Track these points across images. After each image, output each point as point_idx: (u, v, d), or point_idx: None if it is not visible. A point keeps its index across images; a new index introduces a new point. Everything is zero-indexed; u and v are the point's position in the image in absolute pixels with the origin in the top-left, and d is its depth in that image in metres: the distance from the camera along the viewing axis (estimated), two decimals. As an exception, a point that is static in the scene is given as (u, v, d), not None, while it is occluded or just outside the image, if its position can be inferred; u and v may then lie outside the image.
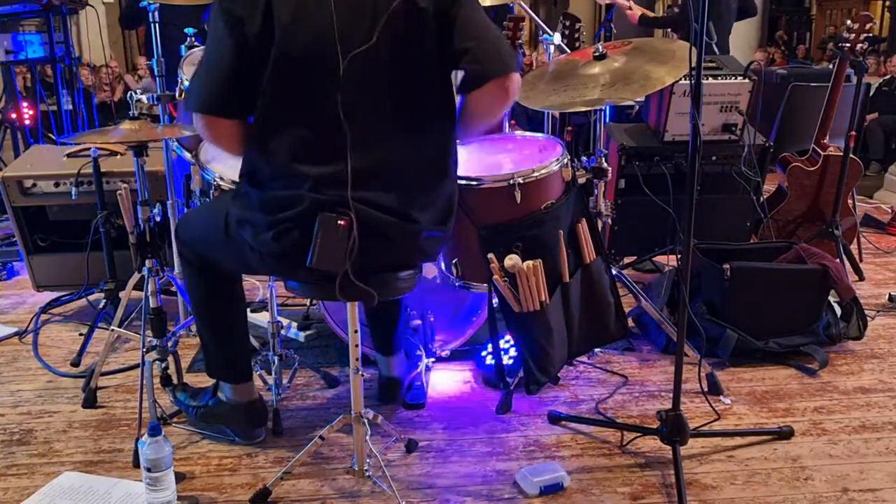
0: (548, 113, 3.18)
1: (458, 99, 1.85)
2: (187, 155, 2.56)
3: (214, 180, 2.28)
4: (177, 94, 2.73)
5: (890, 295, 3.34)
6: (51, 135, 5.16)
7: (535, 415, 2.41)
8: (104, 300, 3.04)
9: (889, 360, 2.80)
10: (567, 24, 3.06)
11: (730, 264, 2.75)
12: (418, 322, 2.59)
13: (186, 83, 2.57)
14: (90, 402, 2.49)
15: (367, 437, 1.96)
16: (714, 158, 3.47)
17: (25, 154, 3.61)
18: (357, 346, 1.92)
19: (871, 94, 6.23)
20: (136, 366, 2.69)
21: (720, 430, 2.28)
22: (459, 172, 2.16)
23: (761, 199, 3.59)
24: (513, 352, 2.58)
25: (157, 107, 2.80)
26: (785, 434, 2.27)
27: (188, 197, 2.58)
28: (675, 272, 3.00)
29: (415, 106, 1.78)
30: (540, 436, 2.29)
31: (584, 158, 2.53)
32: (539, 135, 2.62)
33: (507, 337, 2.52)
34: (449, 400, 2.51)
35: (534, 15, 2.77)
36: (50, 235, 3.23)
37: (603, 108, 2.61)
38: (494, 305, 2.28)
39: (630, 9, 5.06)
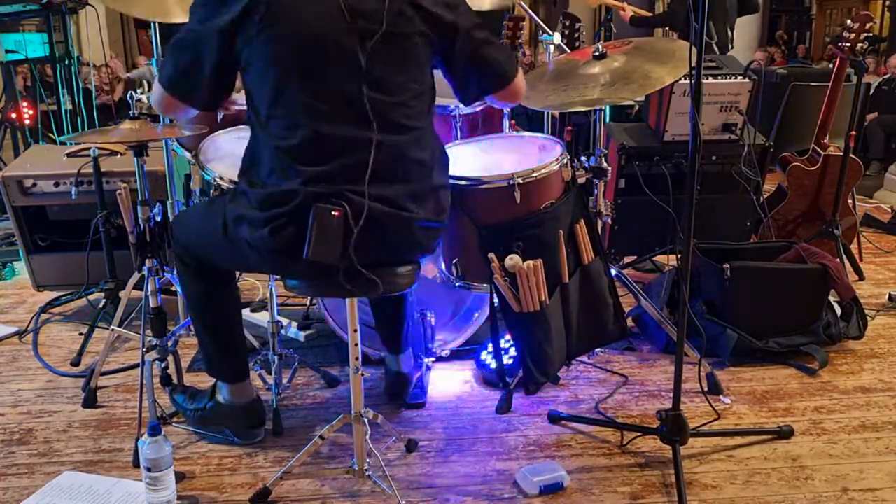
0: (548, 113, 3.18)
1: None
2: (187, 155, 2.57)
3: (214, 180, 2.28)
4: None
5: (890, 294, 3.34)
6: (51, 134, 5.15)
7: (535, 415, 2.41)
8: (104, 300, 3.04)
9: (889, 359, 2.80)
10: (567, 23, 3.06)
11: (730, 264, 2.75)
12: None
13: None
14: (90, 401, 2.49)
15: (367, 437, 1.96)
16: (714, 158, 3.48)
17: (25, 154, 3.61)
18: (357, 345, 1.92)
19: (872, 93, 6.23)
20: (136, 365, 2.69)
21: (720, 430, 2.28)
22: (459, 172, 2.17)
23: (761, 198, 3.59)
24: (513, 351, 2.58)
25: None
26: (785, 434, 2.27)
27: (188, 197, 2.58)
28: (675, 272, 3.00)
29: (405, 103, 1.81)
30: (540, 436, 2.29)
31: (583, 158, 2.53)
32: (539, 135, 2.62)
33: (507, 337, 2.52)
34: (449, 400, 2.51)
35: (533, 15, 2.77)
36: (50, 235, 3.23)
37: (603, 107, 2.62)
38: (495, 305, 2.28)
39: (623, 9, 5.07)
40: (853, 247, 3.77)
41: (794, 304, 2.79)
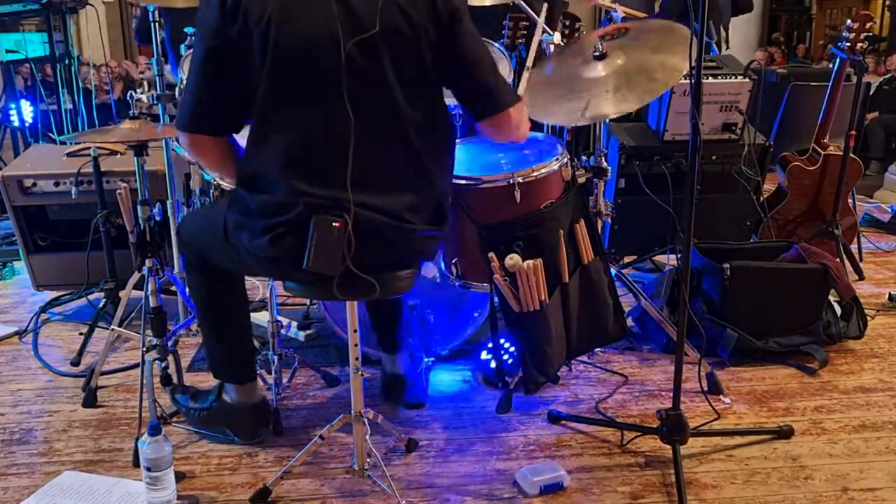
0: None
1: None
2: (187, 155, 2.56)
3: (214, 180, 2.28)
4: (176, 94, 2.73)
5: (890, 294, 3.34)
6: (51, 134, 5.16)
7: (534, 414, 2.41)
8: (104, 299, 3.04)
9: (889, 359, 2.80)
10: (567, 23, 3.06)
11: (730, 264, 2.75)
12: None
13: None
14: (90, 401, 2.49)
15: (367, 437, 1.96)
16: (714, 158, 3.48)
17: (25, 153, 3.61)
18: (357, 345, 1.92)
19: (872, 93, 6.23)
20: (136, 365, 2.69)
21: (720, 430, 2.28)
22: (459, 172, 2.17)
23: (761, 198, 3.59)
24: (513, 350, 2.57)
25: (156, 106, 2.80)
26: (785, 433, 2.27)
27: (188, 196, 2.58)
28: (675, 272, 3.00)
29: (412, 114, 1.79)
30: (540, 435, 2.29)
31: (583, 158, 2.53)
32: (539, 134, 2.62)
33: (507, 336, 2.51)
34: (449, 400, 2.51)
35: (533, 14, 2.76)
36: (50, 235, 3.23)
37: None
38: (495, 305, 2.28)
39: (616, 11, 5.05)
40: (853, 246, 3.77)
41: (794, 303, 2.78)
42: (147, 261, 2.25)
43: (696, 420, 2.27)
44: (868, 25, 3.34)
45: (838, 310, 2.87)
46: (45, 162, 3.22)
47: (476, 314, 2.74)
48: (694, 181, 1.89)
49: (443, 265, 2.42)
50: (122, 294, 2.75)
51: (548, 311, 2.20)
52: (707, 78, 3.29)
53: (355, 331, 1.91)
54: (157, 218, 2.27)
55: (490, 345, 2.54)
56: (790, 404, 2.48)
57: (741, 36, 5.94)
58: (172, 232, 2.86)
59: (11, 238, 3.85)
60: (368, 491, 2.01)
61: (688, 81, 2.10)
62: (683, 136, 3.37)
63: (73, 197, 3.01)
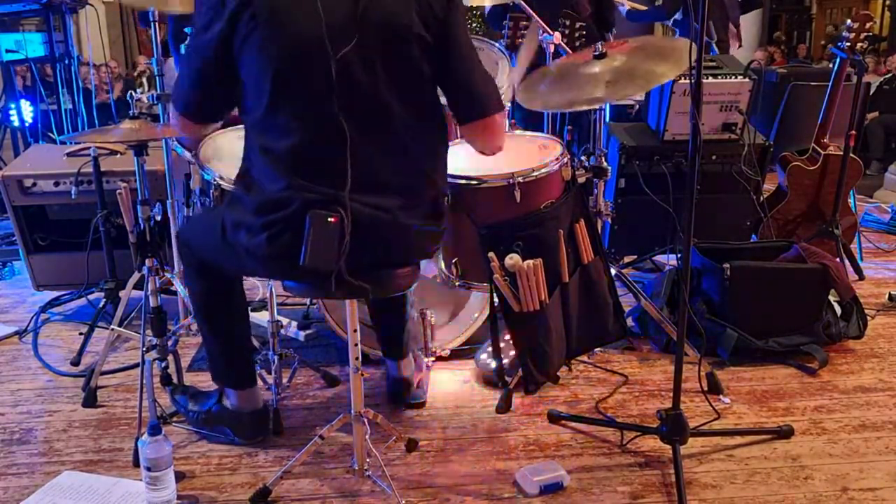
0: (547, 112, 3.18)
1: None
2: (187, 154, 2.56)
3: (214, 180, 2.28)
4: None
5: (890, 294, 3.34)
6: (51, 134, 5.15)
7: (534, 414, 2.41)
8: (104, 299, 3.04)
9: (889, 359, 2.80)
10: (567, 23, 3.05)
11: (730, 264, 2.75)
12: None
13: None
14: (90, 401, 2.49)
15: (367, 437, 1.96)
16: (714, 158, 3.47)
17: (25, 153, 3.61)
18: (357, 345, 1.92)
19: (872, 92, 6.23)
20: (136, 365, 2.69)
21: (720, 430, 2.28)
22: (459, 172, 2.17)
23: (761, 198, 3.59)
24: (512, 350, 2.57)
25: (156, 106, 2.80)
26: (785, 433, 2.27)
27: (188, 196, 2.58)
28: (675, 272, 3.00)
29: (405, 115, 1.79)
30: (540, 435, 2.29)
31: (583, 158, 2.53)
32: (539, 134, 2.62)
33: (507, 336, 2.51)
34: (449, 400, 2.51)
35: (534, 14, 2.76)
36: (50, 235, 3.23)
37: (603, 106, 2.61)
38: (495, 305, 2.28)
39: (622, 3, 5.04)
40: (853, 246, 3.77)
41: (794, 303, 2.78)
42: (147, 261, 2.25)
43: (696, 420, 2.27)
44: (868, 25, 3.34)
45: (838, 310, 2.87)
46: (45, 162, 3.22)
47: (476, 314, 2.74)
48: (694, 181, 1.89)
49: (443, 265, 2.43)
50: (122, 294, 2.75)
51: (548, 311, 2.20)
52: (707, 78, 3.29)
53: (355, 331, 1.91)
54: (157, 218, 2.27)
55: (490, 345, 2.54)
56: (790, 404, 2.48)
57: (741, 36, 5.93)
58: (172, 232, 2.86)
59: (11, 238, 3.85)
60: (368, 491, 2.01)
61: (688, 81, 2.10)
62: (683, 136, 3.37)
63: (73, 197, 3.00)
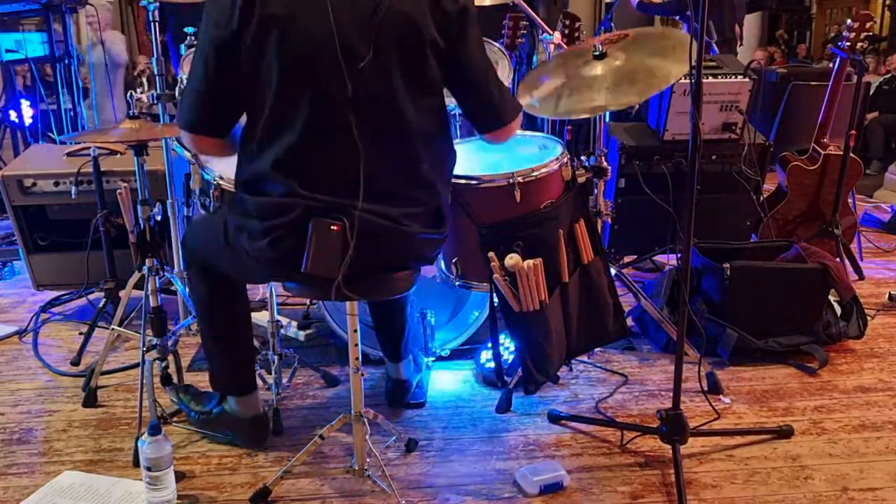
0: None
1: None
2: (187, 154, 2.56)
3: (214, 180, 2.27)
4: (177, 94, 2.73)
5: (890, 294, 3.34)
6: (51, 134, 5.16)
7: (534, 414, 2.41)
8: (104, 299, 3.03)
9: (889, 359, 2.80)
10: (567, 23, 3.06)
11: (730, 263, 2.75)
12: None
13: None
14: (90, 401, 2.49)
15: (367, 437, 1.96)
16: (714, 157, 3.48)
17: (25, 153, 3.61)
18: (357, 345, 1.92)
19: (872, 92, 6.23)
20: (136, 365, 2.69)
21: (720, 430, 2.28)
22: (459, 172, 2.17)
23: (761, 198, 3.59)
24: (512, 350, 2.57)
25: (156, 106, 2.80)
26: (785, 433, 2.27)
27: (188, 196, 2.58)
28: (675, 272, 3.00)
29: (419, 121, 1.79)
30: (540, 435, 2.29)
31: (583, 158, 2.53)
32: (539, 134, 2.62)
33: (507, 336, 2.51)
34: (449, 400, 2.51)
35: (533, 14, 2.76)
36: (50, 234, 3.23)
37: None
38: (495, 304, 2.28)
39: None
40: (853, 246, 3.77)
41: (794, 303, 2.78)
42: (147, 260, 2.24)
43: (696, 420, 2.27)
44: (868, 25, 3.34)
45: (838, 310, 2.87)
46: (45, 162, 3.22)
47: (476, 314, 2.74)
48: (694, 181, 1.89)
49: (443, 265, 2.42)
50: (122, 294, 2.75)
51: (548, 311, 2.20)
52: (707, 78, 3.29)
53: (355, 331, 1.91)
54: (157, 218, 2.27)
55: (490, 345, 2.54)
56: (790, 404, 2.48)
57: (742, 35, 5.93)
58: (172, 232, 2.86)
59: (11, 238, 3.85)
60: (368, 491, 2.01)
61: (688, 81, 2.10)
62: (683, 136, 3.37)
63: (73, 197, 3.00)
